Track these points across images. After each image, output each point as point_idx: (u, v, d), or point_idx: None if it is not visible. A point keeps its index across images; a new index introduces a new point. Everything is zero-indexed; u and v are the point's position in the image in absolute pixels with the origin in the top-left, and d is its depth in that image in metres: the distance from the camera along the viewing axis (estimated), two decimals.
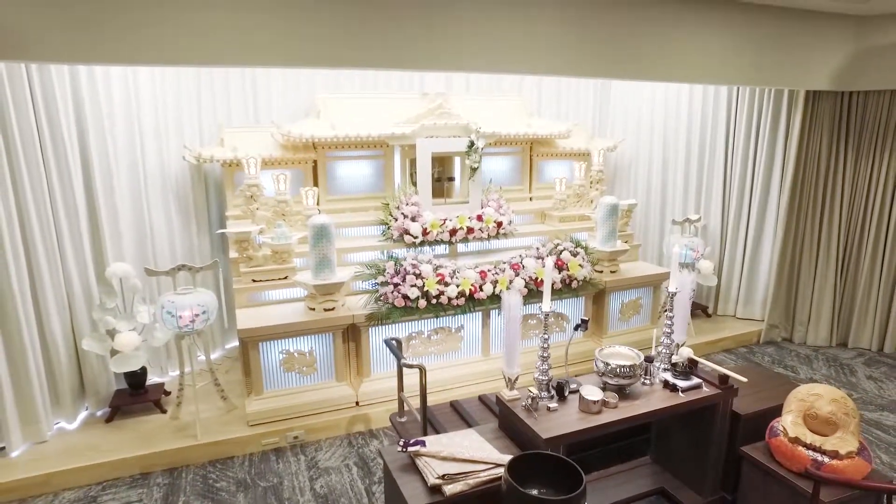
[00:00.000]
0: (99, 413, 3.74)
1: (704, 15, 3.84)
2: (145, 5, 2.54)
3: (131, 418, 3.68)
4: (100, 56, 2.59)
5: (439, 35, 3.11)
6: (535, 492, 1.97)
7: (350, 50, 2.94)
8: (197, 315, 3.38)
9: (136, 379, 3.78)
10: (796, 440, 2.40)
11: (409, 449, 2.28)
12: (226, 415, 3.70)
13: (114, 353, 3.56)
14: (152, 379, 3.98)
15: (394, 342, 3.17)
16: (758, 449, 2.59)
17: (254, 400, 3.59)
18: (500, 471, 2.14)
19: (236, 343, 4.71)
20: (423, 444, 2.32)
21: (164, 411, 3.75)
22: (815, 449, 2.36)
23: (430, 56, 3.13)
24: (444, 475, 2.15)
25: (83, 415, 3.71)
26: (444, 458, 2.25)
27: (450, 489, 2.11)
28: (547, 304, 2.49)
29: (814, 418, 2.42)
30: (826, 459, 2.32)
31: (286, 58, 2.88)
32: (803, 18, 4.17)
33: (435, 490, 2.13)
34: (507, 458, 2.15)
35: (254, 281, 3.81)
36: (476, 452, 2.29)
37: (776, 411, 2.66)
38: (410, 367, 2.82)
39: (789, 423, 2.46)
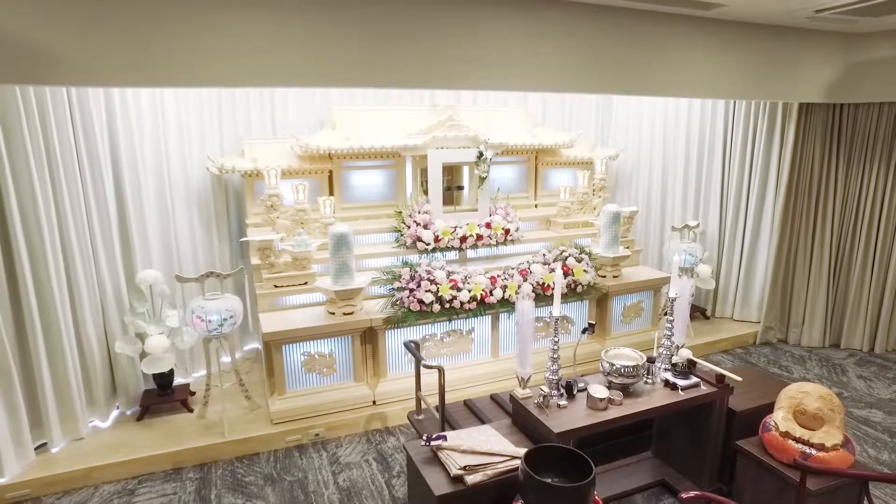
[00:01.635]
0: (129, 412, 3.94)
1: (702, 33, 4.05)
2: (181, 32, 2.74)
3: (160, 417, 3.88)
4: (138, 79, 2.79)
5: (454, 56, 3.32)
6: (548, 481, 2.18)
7: (370, 71, 3.15)
8: (225, 319, 3.59)
9: (164, 380, 3.98)
10: (786, 434, 2.61)
11: (433, 443, 2.49)
12: (250, 413, 3.90)
13: (143, 355, 3.77)
14: (178, 380, 4.18)
15: (412, 344, 3.38)
16: (752, 443, 2.80)
17: (277, 399, 3.80)
18: (517, 462, 2.36)
19: (255, 345, 4.92)
20: (444, 438, 2.53)
21: (190, 410, 3.96)
22: (803, 442, 2.57)
23: (444, 75, 3.34)
24: (465, 466, 2.36)
25: (115, 413, 3.91)
26: (465, 452, 2.47)
27: (471, 479, 2.33)
28: (557, 309, 2.70)
29: (802, 414, 2.64)
30: (813, 451, 2.53)
31: (312, 78, 3.09)
32: (796, 35, 4.39)
33: (457, 480, 2.34)
34: (522, 450, 2.36)
35: (275, 286, 4.02)
36: (493, 446, 2.50)
37: (769, 408, 2.87)
38: (430, 367, 3.03)
39: (780, 418, 2.68)
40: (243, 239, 4.29)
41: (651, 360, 2.91)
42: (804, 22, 4.14)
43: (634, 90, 4.06)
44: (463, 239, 4.37)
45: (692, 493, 2.13)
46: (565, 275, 4.37)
